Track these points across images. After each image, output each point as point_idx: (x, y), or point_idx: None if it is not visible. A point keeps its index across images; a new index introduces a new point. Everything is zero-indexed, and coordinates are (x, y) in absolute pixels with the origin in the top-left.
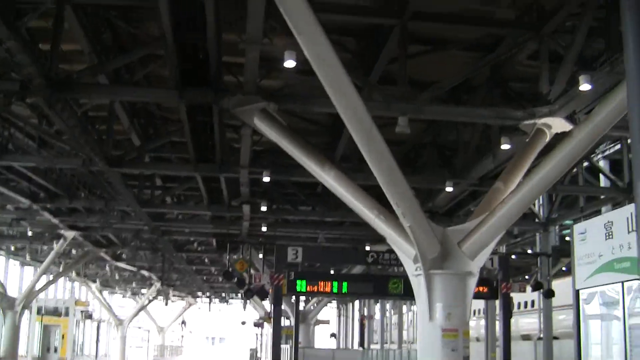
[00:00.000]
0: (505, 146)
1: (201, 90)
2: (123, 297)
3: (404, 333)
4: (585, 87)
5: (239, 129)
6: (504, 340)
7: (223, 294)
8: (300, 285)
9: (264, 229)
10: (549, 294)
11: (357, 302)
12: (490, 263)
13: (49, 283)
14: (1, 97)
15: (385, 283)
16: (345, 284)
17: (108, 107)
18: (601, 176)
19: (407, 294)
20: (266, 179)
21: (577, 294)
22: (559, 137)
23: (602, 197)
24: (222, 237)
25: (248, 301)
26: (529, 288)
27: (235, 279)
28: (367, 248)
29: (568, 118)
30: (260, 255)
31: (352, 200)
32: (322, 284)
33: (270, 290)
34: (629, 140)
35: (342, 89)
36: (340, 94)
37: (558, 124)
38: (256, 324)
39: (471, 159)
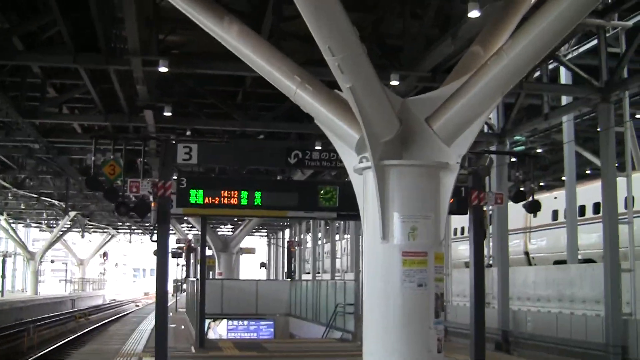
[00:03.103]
0: (473, 14)
1: None
2: (40, 230)
3: (337, 262)
4: None
5: None
6: (476, 268)
7: (147, 224)
8: (196, 196)
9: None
10: (534, 207)
11: (288, 230)
12: None
13: None
14: None
15: (314, 192)
16: (258, 195)
17: None
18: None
19: (345, 207)
20: (163, 69)
21: None
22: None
23: (564, 104)
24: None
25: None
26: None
27: (104, 189)
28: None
29: None
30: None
31: (265, 65)
32: (225, 194)
33: (153, 205)
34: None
35: None
36: None
37: None
38: (174, 254)
39: (422, 50)
